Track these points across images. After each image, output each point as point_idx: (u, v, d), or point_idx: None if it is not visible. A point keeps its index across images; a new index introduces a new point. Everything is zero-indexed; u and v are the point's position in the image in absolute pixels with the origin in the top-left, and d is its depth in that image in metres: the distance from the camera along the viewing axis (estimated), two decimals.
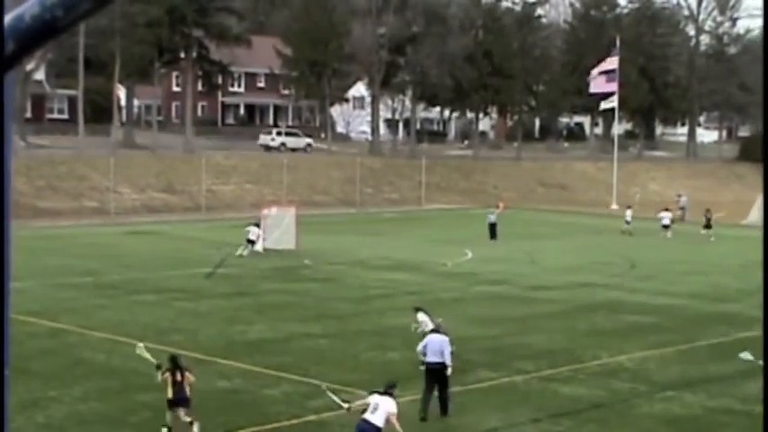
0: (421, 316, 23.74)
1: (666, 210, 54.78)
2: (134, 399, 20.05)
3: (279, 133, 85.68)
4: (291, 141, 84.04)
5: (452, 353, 19.82)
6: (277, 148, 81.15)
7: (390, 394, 16.86)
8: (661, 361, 24.49)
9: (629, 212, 54.93)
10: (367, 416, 16.50)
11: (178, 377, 17.78)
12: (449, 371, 19.56)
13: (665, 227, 52.87)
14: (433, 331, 20.65)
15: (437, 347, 19.68)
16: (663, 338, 27.12)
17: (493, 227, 50.73)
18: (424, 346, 20.01)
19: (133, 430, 18.36)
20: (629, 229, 53.64)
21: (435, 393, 19.56)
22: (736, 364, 23.81)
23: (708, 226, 52.27)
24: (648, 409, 20.37)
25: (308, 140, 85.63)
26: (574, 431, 18.77)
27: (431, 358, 19.65)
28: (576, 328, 28.36)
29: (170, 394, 17.74)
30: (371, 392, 17.14)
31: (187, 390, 17.82)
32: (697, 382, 22.53)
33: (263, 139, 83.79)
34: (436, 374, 19.53)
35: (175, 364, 18.00)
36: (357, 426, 16.57)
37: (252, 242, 42.14)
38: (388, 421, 16.51)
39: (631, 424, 19.38)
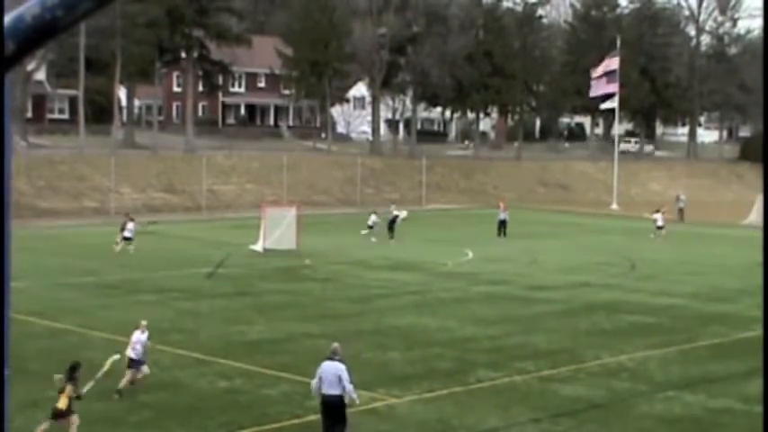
0: None
1: (658, 211, 54.54)
2: (134, 399, 20.07)
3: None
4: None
5: (352, 382, 17.29)
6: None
7: None
8: (661, 361, 24.48)
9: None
10: None
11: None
12: (350, 403, 17.29)
13: (660, 228, 52.72)
14: (328, 359, 17.54)
15: (332, 377, 17.09)
16: (663, 338, 27.10)
17: (502, 224, 51.32)
18: (319, 380, 17.26)
19: (133, 430, 18.38)
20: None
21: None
22: (736, 363, 23.84)
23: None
24: (649, 409, 20.35)
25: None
26: (574, 431, 18.76)
27: (327, 390, 17.09)
28: (576, 327, 28.35)
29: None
30: None
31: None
32: (697, 382, 22.51)
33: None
34: (332, 407, 17.17)
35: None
36: None
37: (371, 227, 48.55)
38: None
39: (631, 424, 19.36)
